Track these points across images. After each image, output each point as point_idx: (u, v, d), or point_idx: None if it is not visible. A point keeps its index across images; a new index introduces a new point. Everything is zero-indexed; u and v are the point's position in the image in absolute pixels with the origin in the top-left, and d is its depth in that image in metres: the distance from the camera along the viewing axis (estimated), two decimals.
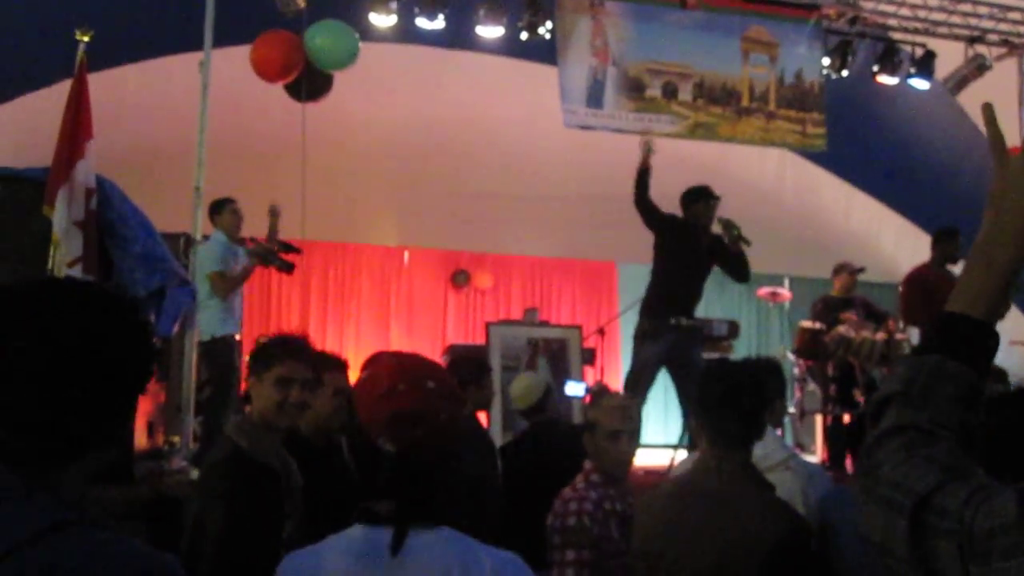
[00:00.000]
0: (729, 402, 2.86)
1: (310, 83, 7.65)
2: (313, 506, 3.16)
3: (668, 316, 6.96)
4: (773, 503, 2.83)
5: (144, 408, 6.15)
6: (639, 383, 6.85)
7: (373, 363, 2.86)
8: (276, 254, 7.07)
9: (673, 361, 6.97)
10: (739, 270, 7.25)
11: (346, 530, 2.00)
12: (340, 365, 3.79)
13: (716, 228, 7.19)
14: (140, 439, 5.99)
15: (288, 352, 3.21)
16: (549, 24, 8.56)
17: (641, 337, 7.08)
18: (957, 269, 8.30)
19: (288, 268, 7.18)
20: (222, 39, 7.74)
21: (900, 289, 8.42)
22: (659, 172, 7.13)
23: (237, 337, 7.02)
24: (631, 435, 3.42)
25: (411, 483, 1.98)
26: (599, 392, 3.74)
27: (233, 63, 8.12)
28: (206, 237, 7.00)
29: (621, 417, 3.41)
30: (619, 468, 3.44)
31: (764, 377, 3.48)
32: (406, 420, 2.04)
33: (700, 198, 7.11)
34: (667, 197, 7.18)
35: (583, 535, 3.28)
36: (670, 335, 6.92)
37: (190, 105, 7.61)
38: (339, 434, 3.77)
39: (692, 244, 7.06)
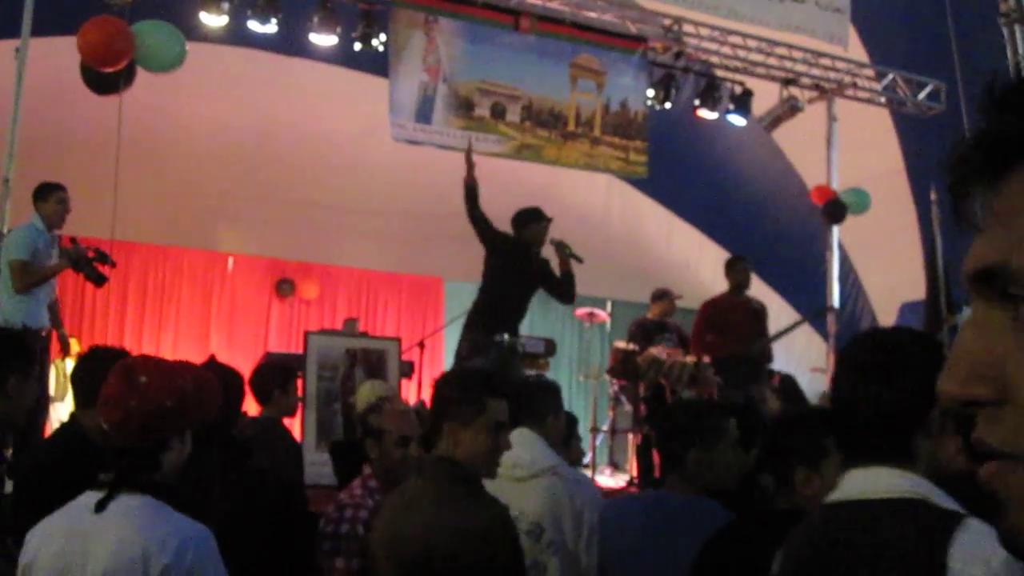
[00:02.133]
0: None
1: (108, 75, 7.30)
2: None
3: (493, 332, 6.99)
4: (475, 494, 2.94)
5: None
6: None
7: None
8: (90, 261, 6.61)
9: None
10: (566, 291, 7.28)
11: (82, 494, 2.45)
12: None
13: (547, 251, 7.25)
14: None
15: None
16: (383, 36, 8.58)
17: (466, 353, 7.05)
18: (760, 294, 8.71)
19: (99, 280, 6.72)
20: (42, 28, 7.46)
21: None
22: (489, 194, 7.19)
23: (44, 333, 6.55)
24: (417, 440, 3.45)
25: (125, 456, 2.45)
26: (379, 401, 3.79)
27: (52, 54, 7.82)
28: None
29: (410, 423, 3.45)
30: (405, 473, 3.46)
31: (534, 394, 3.72)
32: (111, 405, 2.48)
33: (532, 220, 7.08)
34: (497, 219, 7.25)
35: (354, 543, 3.27)
36: (494, 351, 6.94)
37: (3, 94, 7.30)
38: None
39: (521, 264, 7.08)
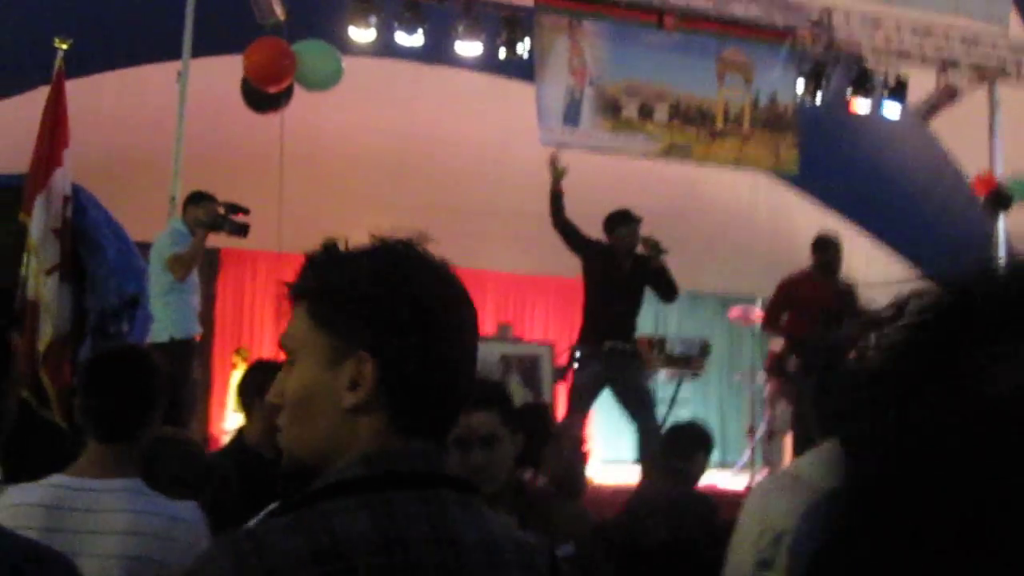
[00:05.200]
0: None
1: (268, 93, 7.52)
2: None
3: (601, 342, 7.00)
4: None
5: None
6: (577, 407, 7.03)
7: None
8: (226, 217, 6.62)
9: (614, 383, 7.05)
10: (664, 289, 7.25)
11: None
12: None
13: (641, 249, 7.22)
14: None
15: None
16: (527, 42, 8.61)
17: (576, 363, 7.15)
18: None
19: (241, 230, 6.69)
20: (200, 49, 7.76)
21: None
22: (635, 192, 7.17)
23: (197, 338, 6.72)
24: None
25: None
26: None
27: (211, 73, 8.12)
28: None
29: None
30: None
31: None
32: None
33: (620, 223, 7.13)
34: (645, 216, 7.24)
35: None
36: (602, 359, 6.98)
37: (167, 115, 7.62)
38: None
39: (616, 269, 7.08)
